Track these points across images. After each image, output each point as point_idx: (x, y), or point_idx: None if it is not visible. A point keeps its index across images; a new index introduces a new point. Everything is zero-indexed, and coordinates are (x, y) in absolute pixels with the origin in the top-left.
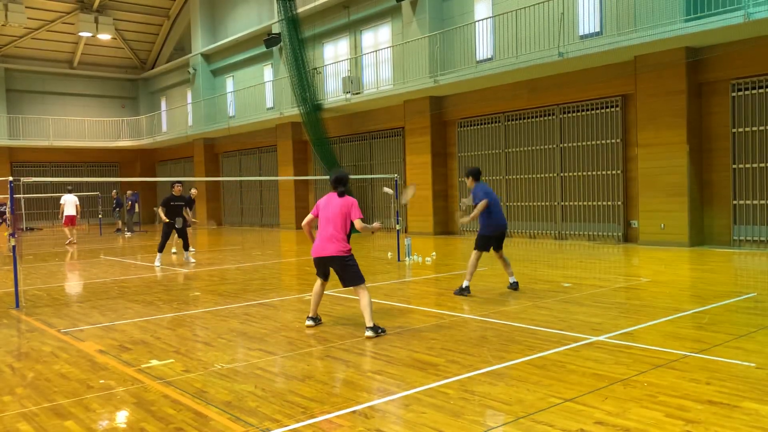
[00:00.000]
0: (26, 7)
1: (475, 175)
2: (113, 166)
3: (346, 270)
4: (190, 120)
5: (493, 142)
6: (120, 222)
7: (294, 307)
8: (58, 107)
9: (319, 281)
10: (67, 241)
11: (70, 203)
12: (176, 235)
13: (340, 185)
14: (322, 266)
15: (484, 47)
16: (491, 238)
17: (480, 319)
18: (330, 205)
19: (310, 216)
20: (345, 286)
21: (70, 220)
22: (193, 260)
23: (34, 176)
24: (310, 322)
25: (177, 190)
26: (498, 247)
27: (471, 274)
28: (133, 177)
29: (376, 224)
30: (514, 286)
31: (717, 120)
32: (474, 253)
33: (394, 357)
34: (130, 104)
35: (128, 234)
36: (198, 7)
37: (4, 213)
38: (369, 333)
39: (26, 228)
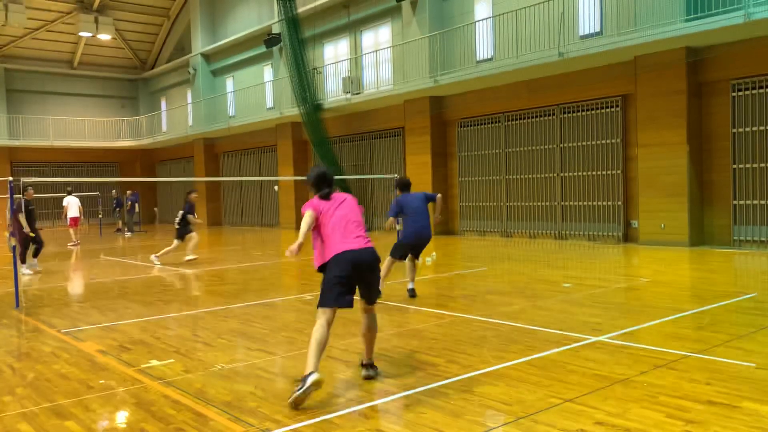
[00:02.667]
0: (26, 7)
1: (400, 187)
2: (113, 166)
3: None
4: (190, 120)
5: (493, 142)
6: (120, 222)
7: (294, 307)
8: (58, 107)
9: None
10: (71, 243)
11: (73, 205)
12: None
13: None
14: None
15: (484, 47)
16: (405, 246)
17: (480, 319)
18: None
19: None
20: None
21: (74, 222)
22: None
23: (34, 176)
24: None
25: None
26: (416, 256)
27: (384, 279)
28: (133, 177)
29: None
30: (412, 293)
31: (717, 120)
32: (388, 259)
33: (394, 357)
34: (130, 104)
35: (128, 234)
36: (198, 7)
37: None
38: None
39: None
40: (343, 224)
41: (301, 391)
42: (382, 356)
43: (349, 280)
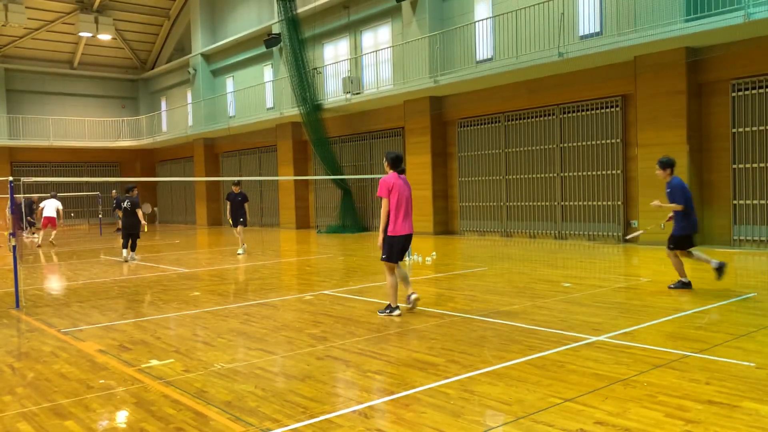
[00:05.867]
0: (26, 7)
1: (665, 165)
2: (113, 166)
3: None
4: (190, 120)
5: (493, 142)
6: (120, 222)
7: (294, 307)
8: (58, 107)
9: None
10: (37, 244)
11: (50, 206)
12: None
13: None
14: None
15: (484, 47)
16: None
17: (480, 319)
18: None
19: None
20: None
21: (50, 222)
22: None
23: (34, 176)
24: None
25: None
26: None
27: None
28: (133, 177)
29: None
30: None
31: (717, 120)
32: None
33: (394, 357)
34: (130, 104)
35: None
36: (198, 7)
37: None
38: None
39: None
40: (404, 206)
41: (387, 313)
42: (382, 356)
43: (403, 250)
